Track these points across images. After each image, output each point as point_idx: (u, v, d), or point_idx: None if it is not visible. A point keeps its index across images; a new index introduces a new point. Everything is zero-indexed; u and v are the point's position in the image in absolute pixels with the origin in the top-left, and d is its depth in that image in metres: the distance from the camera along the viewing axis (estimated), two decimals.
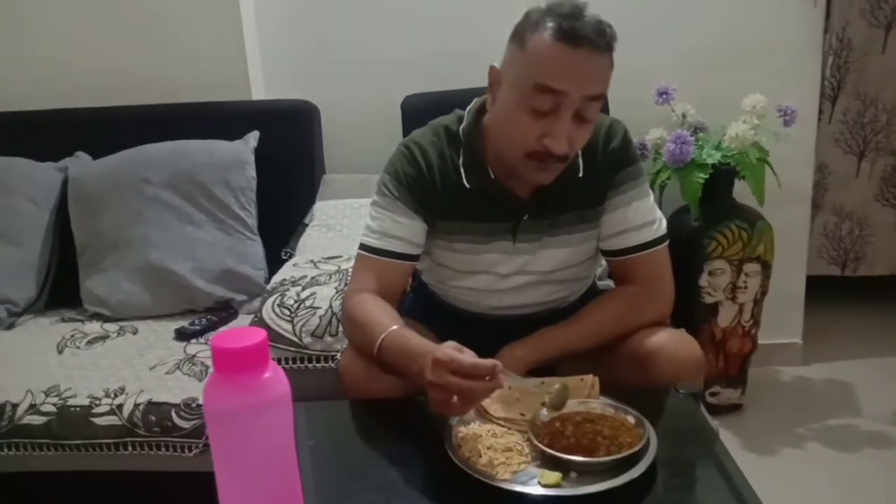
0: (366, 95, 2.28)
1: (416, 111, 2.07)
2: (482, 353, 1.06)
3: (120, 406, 1.51)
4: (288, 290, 1.64)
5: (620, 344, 1.26)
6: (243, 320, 1.88)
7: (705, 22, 2.22)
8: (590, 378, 1.16)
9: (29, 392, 1.56)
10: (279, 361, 1.54)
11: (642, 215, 1.30)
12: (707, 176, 2.01)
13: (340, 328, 1.55)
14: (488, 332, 1.26)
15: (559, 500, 0.93)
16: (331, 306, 1.58)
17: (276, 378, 0.79)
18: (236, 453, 0.78)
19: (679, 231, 1.87)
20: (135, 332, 1.86)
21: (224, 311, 1.92)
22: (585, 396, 1.13)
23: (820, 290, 2.57)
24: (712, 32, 2.23)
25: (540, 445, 1.00)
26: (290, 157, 2.13)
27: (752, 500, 0.94)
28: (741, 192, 2.12)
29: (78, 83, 2.19)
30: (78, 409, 1.52)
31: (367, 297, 1.26)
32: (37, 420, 1.51)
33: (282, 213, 2.08)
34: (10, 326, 1.91)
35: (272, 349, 1.48)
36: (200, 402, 1.50)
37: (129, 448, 1.51)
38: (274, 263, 1.95)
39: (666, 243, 1.32)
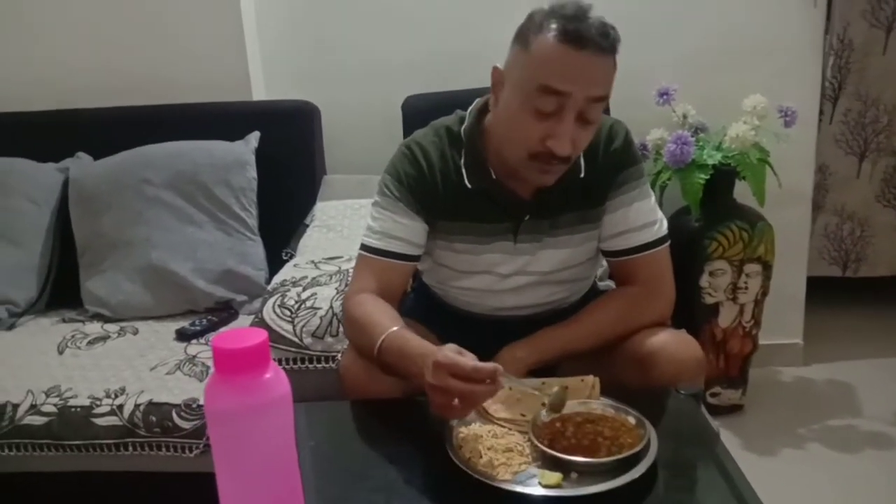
0: (366, 96, 2.28)
1: (417, 112, 2.07)
2: (482, 354, 1.06)
3: (120, 406, 1.51)
4: (288, 290, 1.64)
5: (621, 344, 1.26)
6: (244, 321, 1.88)
7: (706, 22, 2.22)
8: (590, 379, 1.16)
9: (30, 392, 1.56)
10: (280, 362, 1.54)
11: (643, 216, 1.30)
12: (708, 176, 2.01)
13: (341, 329, 1.55)
14: (489, 332, 1.26)
15: (560, 500, 0.93)
16: (331, 307, 1.58)
17: (276, 378, 0.79)
18: (237, 454, 0.78)
19: (680, 232, 1.86)
20: (135, 332, 1.86)
21: (225, 312, 1.92)
22: (586, 397, 1.13)
23: (821, 291, 2.57)
24: (713, 33, 2.23)
25: (541, 446, 1.00)
26: (290, 157, 2.13)
27: (752, 500, 0.94)
28: (742, 192, 2.12)
29: (79, 84, 2.19)
30: (78, 409, 1.52)
31: (368, 297, 1.26)
32: (37, 420, 1.51)
33: (282, 213, 2.08)
34: (11, 327, 1.91)
35: (273, 350, 1.48)
36: (201, 402, 1.50)
37: (130, 448, 1.51)
38: (274, 264, 1.95)
39: (667, 244, 1.32)
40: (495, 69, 1.22)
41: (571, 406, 1.08)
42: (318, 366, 1.57)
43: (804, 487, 1.89)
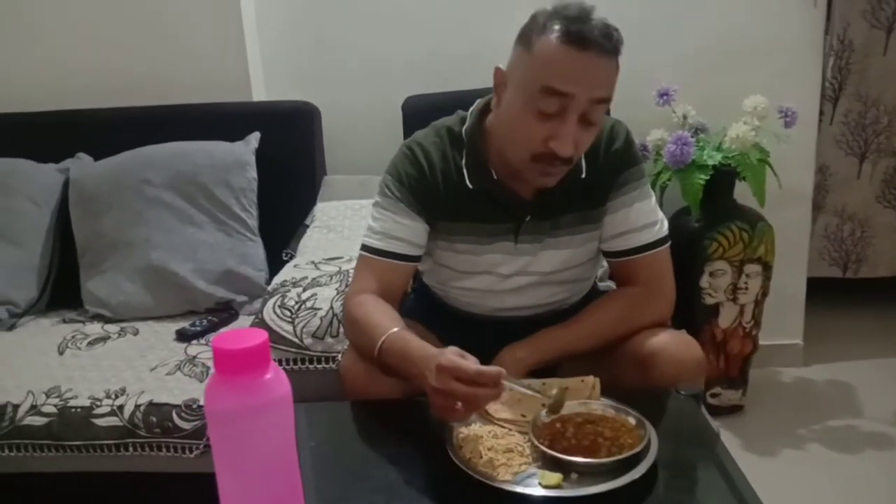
0: (367, 96, 2.29)
1: (417, 112, 2.07)
2: (483, 355, 1.07)
3: (121, 407, 1.51)
4: (289, 291, 1.64)
5: (621, 345, 1.26)
6: (244, 321, 1.88)
7: (706, 23, 2.22)
8: (591, 379, 1.16)
9: (30, 393, 1.56)
10: (280, 362, 1.54)
11: (644, 216, 1.30)
12: (708, 177, 2.01)
13: (341, 329, 1.55)
14: (489, 333, 1.26)
15: (560, 501, 0.93)
16: (332, 307, 1.58)
17: (277, 379, 0.79)
18: (237, 454, 0.78)
19: (680, 232, 1.86)
20: (136, 333, 1.86)
21: (225, 312, 1.92)
22: (586, 397, 1.13)
23: (821, 292, 2.57)
24: (713, 33, 2.23)
25: (541, 446, 1.00)
26: (290, 158, 2.13)
27: (752, 501, 0.94)
28: (742, 193, 2.12)
29: (79, 85, 2.20)
30: (79, 409, 1.52)
31: (369, 298, 1.26)
32: (38, 421, 1.51)
33: (283, 214, 2.08)
34: (12, 327, 1.91)
35: (273, 350, 1.48)
36: (201, 403, 1.50)
37: (130, 449, 1.51)
38: (275, 264, 1.95)
39: (667, 245, 1.32)
40: (498, 70, 1.22)
41: (572, 406, 1.08)
42: (319, 366, 1.57)
43: (804, 488, 1.89)
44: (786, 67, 2.23)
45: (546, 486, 0.95)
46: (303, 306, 1.59)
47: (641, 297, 1.30)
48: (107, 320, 1.93)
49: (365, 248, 1.32)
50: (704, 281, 2.11)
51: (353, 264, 1.36)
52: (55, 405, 1.53)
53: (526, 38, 1.16)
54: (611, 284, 1.58)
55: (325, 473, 1.04)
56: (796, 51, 2.23)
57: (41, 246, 2.01)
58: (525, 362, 1.24)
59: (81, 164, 2.08)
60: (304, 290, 1.63)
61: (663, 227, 1.33)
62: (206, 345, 1.76)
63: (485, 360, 1.06)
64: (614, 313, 1.30)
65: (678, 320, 1.36)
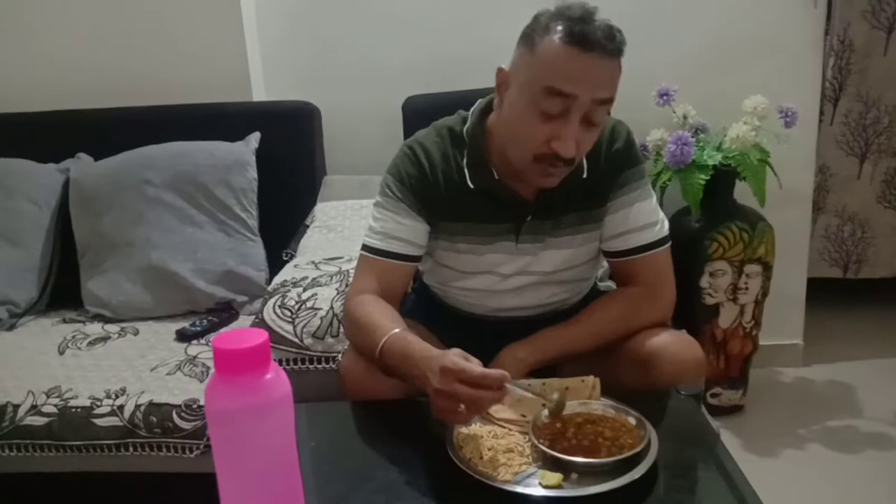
0: (367, 97, 2.29)
1: (417, 113, 2.07)
2: (483, 355, 1.07)
3: (121, 407, 1.51)
4: (289, 291, 1.64)
5: (622, 345, 1.26)
6: (244, 321, 1.88)
7: (706, 23, 2.22)
8: (591, 379, 1.16)
9: (30, 393, 1.56)
10: (280, 362, 1.54)
11: (645, 216, 1.30)
12: (708, 177, 2.01)
13: (341, 329, 1.55)
14: (489, 333, 1.26)
15: (560, 501, 0.93)
16: (332, 307, 1.58)
17: (277, 379, 0.79)
18: (238, 454, 0.78)
19: (680, 232, 1.86)
20: (136, 333, 1.86)
21: (225, 312, 1.92)
22: (586, 398, 1.13)
23: (821, 292, 2.57)
24: (713, 33, 2.23)
25: (541, 446, 1.00)
26: (291, 158, 2.13)
27: (753, 501, 0.94)
28: (742, 193, 2.12)
29: (79, 85, 2.20)
30: (79, 409, 1.52)
31: (369, 298, 1.26)
32: (38, 421, 1.51)
33: (283, 214, 2.08)
34: (12, 327, 1.91)
35: (273, 350, 1.48)
36: (201, 403, 1.50)
37: (130, 449, 1.51)
38: (275, 264, 1.95)
39: (668, 245, 1.32)
40: (500, 70, 1.21)
41: (572, 406, 1.08)
42: (319, 366, 1.57)
43: (804, 488, 1.89)
44: (786, 67, 2.23)
45: (546, 487, 0.95)
46: (303, 306, 1.59)
47: (642, 297, 1.30)
48: (107, 320, 1.93)
49: (366, 247, 1.32)
50: (705, 281, 2.11)
51: (354, 264, 1.37)
52: (55, 405, 1.53)
53: (529, 38, 1.16)
54: (611, 284, 1.58)
55: (325, 473, 1.04)
56: (796, 51, 2.23)
57: (41, 246, 2.01)
58: (525, 362, 1.24)
59: (81, 164, 2.08)
60: (305, 290, 1.63)
61: (664, 227, 1.33)
62: (207, 345, 1.76)
63: (485, 361, 1.06)
64: (614, 313, 1.30)
65: (678, 320, 1.36)
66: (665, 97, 2.09)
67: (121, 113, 2.15)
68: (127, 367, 1.65)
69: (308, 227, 2.01)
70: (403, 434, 1.14)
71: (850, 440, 2.09)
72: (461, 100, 1.40)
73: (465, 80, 1.96)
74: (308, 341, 1.56)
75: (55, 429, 1.51)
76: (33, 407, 1.53)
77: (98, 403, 1.52)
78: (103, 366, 1.67)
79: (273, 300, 1.62)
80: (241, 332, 0.79)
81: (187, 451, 1.50)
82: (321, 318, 1.57)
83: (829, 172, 2.62)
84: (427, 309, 1.45)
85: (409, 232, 1.29)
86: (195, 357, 1.69)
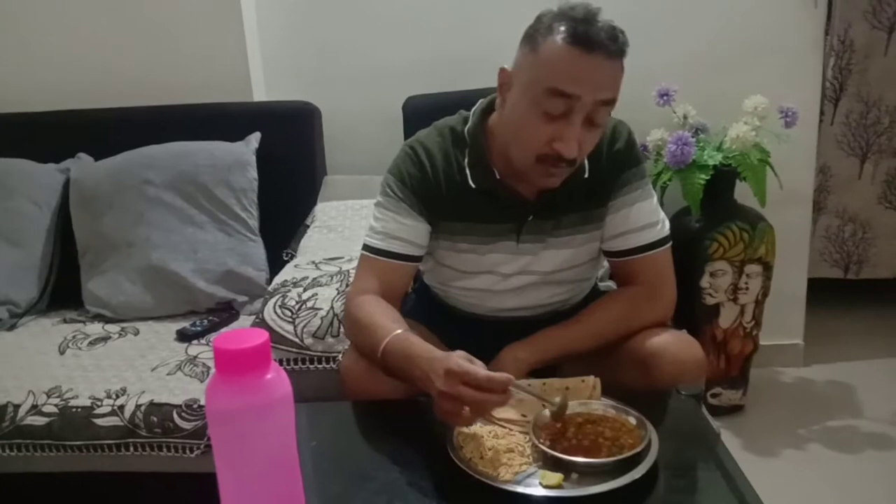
0: (367, 97, 2.29)
1: (418, 113, 2.07)
2: (483, 356, 1.06)
3: (121, 407, 1.51)
4: (289, 291, 1.64)
5: (622, 345, 1.26)
6: (245, 321, 1.88)
7: (706, 23, 2.22)
8: (591, 379, 1.16)
9: (31, 393, 1.56)
10: (280, 362, 1.54)
11: (645, 216, 1.30)
12: (708, 177, 2.01)
13: (342, 329, 1.55)
14: (489, 334, 1.26)
15: (561, 501, 0.93)
16: (332, 307, 1.58)
17: (278, 379, 0.79)
18: (238, 454, 0.78)
19: (680, 232, 1.86)
20: (136, 333, 1.86)
21: (225, 312, 1.92)
22: (587, 397, 1.13)
23: (822, 292, 2.57)
24: (713, 33, 2.23)
25: (541, 446, 1.00)
26: (291, 158, 2.13)
27: (753, 500, 0.94)
28: (742, 193, 2.12)
29: (79, 85, 2.20)
30: (79, 409, 1.52)
31: (370, 298, 1.26)
32: (38, 421, 1.51)
33: (283, 214, 2.08)
34: (12, 327, 1.91)
35: (273, 350, 1.48)
36: (202, 402, 1.50)
37: (131, 449, 1.51)
38: (275, 264, 1.95)
39: (669, 245, 1.32)
40: (503, 70, 1.21)
41: (572, 406, 1.08)
42: (319, 366, 1.57)
43: (804, 488, 1.89)
44: (786, 68, 2.23)
45: (547, 486, 0.95)
46: (303, 306, 1.59)
47: (642, 297, 1.30)
48: (107, 320, 1.93)
49: (366, 247, 1.32)
50: (705, 281, 2.11)
51: (354, 264, 1.37)
52: (56, 405, 1.53)
53: (532, 38, 1.16)
54: (611, 284, 1.58)
55: (325, 473, 1.04)
56: (797, 51, 2.23)
57: (42, 246, 2.01)
58: (526, 362, 1.24)
59: (82, 165, 2.08)
60: (305, 290, 1.64)
61: (664, 227, 1.33)
62: (207, 345, 1.76)
63: (485, 361, 1.06)
64: (615, 313, 1.30)
65: (679, 320, 1.36)
66: (665, 97, 2.09)
67: (121, 113, 2.15)
68: (127, 367, 1.65)
69: (308, 227, 2.01)
70: (404, 434, 1.14)
71: (851, 440, 2.09)
72: (461, 100, 1.40)
73: (465, 81, 1.96)
74: (308, 341, 1.56)
75: (56, 429, 1.51)
76: (34, 407, 1.53)
77: (98, 403, 1.52)
78: (104, 366, 1.67)
79: (273, 300, 1.62)
80: (241, 332, 0.79)
81: (188, 451, 1.50)
82: (321, 318, 1.57)
83: (830, 173, 2.62)
84: (427, 309, 1.45)
85: (411, 232, 1.29)
86: (196, 357, 1.69)
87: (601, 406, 1.09)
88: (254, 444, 0.78)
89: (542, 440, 1.02)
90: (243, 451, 0.78)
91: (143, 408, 1.51)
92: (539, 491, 0.94)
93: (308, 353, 1.57)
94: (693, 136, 2.04)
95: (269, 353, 0.78)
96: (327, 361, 1.56)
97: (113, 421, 1.50)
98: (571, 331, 1.29)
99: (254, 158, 2.04)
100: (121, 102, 2.15)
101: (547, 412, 1.07)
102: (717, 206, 2.09)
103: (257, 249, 2.00)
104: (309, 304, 1.59)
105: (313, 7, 2.25)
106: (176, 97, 2.14)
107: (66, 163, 2.09)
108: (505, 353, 1.24)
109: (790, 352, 2.47)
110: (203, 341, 1.78)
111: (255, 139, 2.07)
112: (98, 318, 1.94)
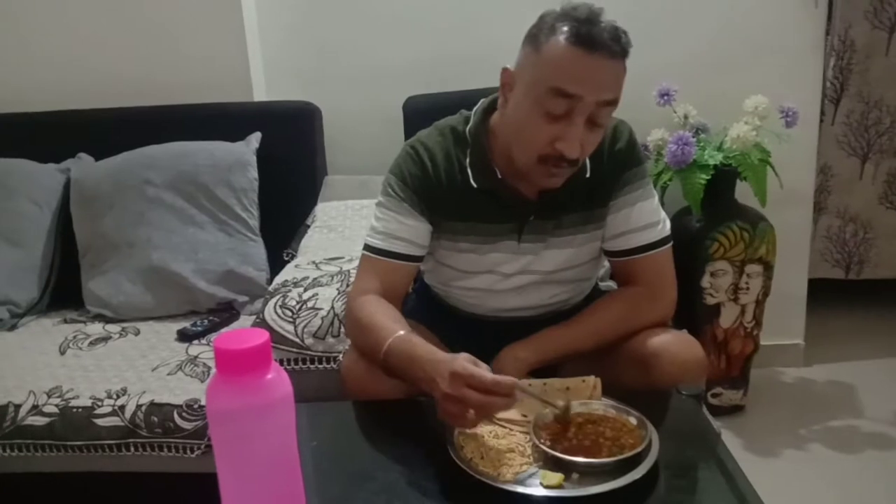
0: (367, 97, 2.29)
1: (418, 113, 2.07)
2: (484, 356, 1.06)
3: (122, 407, 1.51)
4: (290, 291, 1.64)
5: (622, 345, 1.26)
6: (245, 321, 1.89)
7: (707, 23, 2.22)
8: (592, 379, 1.16)
9: (31, 393, 1.56)
10: (281, 362, 1.54)
11: (646, 216, 1.30)
12: (709, 177, 2.01)
13: (342, 329, 1.55)
14: (490, 334, 1.26)
15: (561, 501, 0.93)
16: (333, 307, 1.58)
17: (278, 379, 0.79)
18: (239, 454, 0.78)
19: (681, 232, 1.86)
20: (137, 333, 1.86)
21: (226, 313, 1.92)
22: (587, 397, 1.13)
23: (822, 292, 2.57)
24: (714, 33, 2.23)
25: (542, 447, 1.00)
26: (291, 158, 2.13)
27: (753, 500, 0.94)
28: (743, 193, 2.12)
29: (80, 85, 2.20)
30: (80, 409, 1.52)
31: (372, 298, 1.26)
32: (39, 421, 1.51)
33: (284, 214, 2.08)
34: (13, 327, 1.91)
35: (274, 350, 1.48)
36: (202, 403, 1.50)
37: (132, 449, 1.51)
38: (276, 264, 1.95)
39: (670, 244, 1.32)
40: (505, 70, 1.21)
41: (573, 406, 1.08)
42: (320, 366, 1.57)
43: (805, 488, 1.89)
44: (787, 67, 2.23)
45: (547, 487, 0.95)
46: (304, 306, 1.59)
47: (643, 297, 1.30)
48: (108, 320, 1.93)
49: (367, 247, 1.31)
50: (705, 281, 2.10)
51: (355, 264, 1.37)
52: (56, 405, 1.53)
53: (534, 38, 1.16)
54: (612, 284, 1.58)
55: (326, 473, 1.04)
56: (797, 51, 2.23)
57: (42, 246, 2.01)
58: (526, 362, 1.24)
59: (82, 165, 2.08)
60: (306, 290, 1.64)
61: (665, 227, 1.32)
62: (208, 345, 1.76)
63: (486, 361, 1.06)
64: (615, 313, 1.30)
65: (679, 320, 1.36)
66: (666, 97, 2.09)
67: (121, 113, 2.15)
68: (128, 367, 1.66)
69: (309, 227, 2.01)
70: (405, 434, 1.14)
71: (851, 440, 2.09)
72: (462, 100, 1.40)
73: (465, 80, 1.96)
74: (309, 341, 1.56)
75: (56, 429, 1.51)
76: (34, 407, 1.53)
77: (99, 403, 1.52)
78: (104, 366, 1.67)
79: (274, 300, 1.62)
80: (242, 332, 0.79)
81: (188, 451, 1.50)
82: (322, 318, 1.57)
83: (831, 173, 2.61)
84: (428, 309, 1.45)
85: (412, 232, 1.29)
86: (196, 357, 1.69)
87: (602, 406, 1.09)
88: (254, 445, 0.78)
89: (542, 440, 1.02)
90: (244, 452, 0.78)
91: (143, 408, 1.51)
92: (540, 491, 0.94)
93: (308, 353, 1.57)
94: (693, 136, 2.04)
95: (269, 354, 0.78)
96: (328, 361, 1.56)
97: (113, 421, 1.50)
98: (572, 331, 1.28)
99: (254, 158, 2.04)
100: (121, 102, 2.15)
101: (548, 412, 1.07)
102: (717, 206, 2.09)
103: (258, 249, 2.00)
104: (309, 304, 1.59)
105: (313, 7, 2.25)
106: (176, 97, 2.14)
107: (66, 163, 2.09)
108: (505, 353, 1.24)
109: (791, 352, 2.47)
110: (204, 341, 1.78)
111: (255, 139, 2.07)
112: (99, 318, 1.95)
